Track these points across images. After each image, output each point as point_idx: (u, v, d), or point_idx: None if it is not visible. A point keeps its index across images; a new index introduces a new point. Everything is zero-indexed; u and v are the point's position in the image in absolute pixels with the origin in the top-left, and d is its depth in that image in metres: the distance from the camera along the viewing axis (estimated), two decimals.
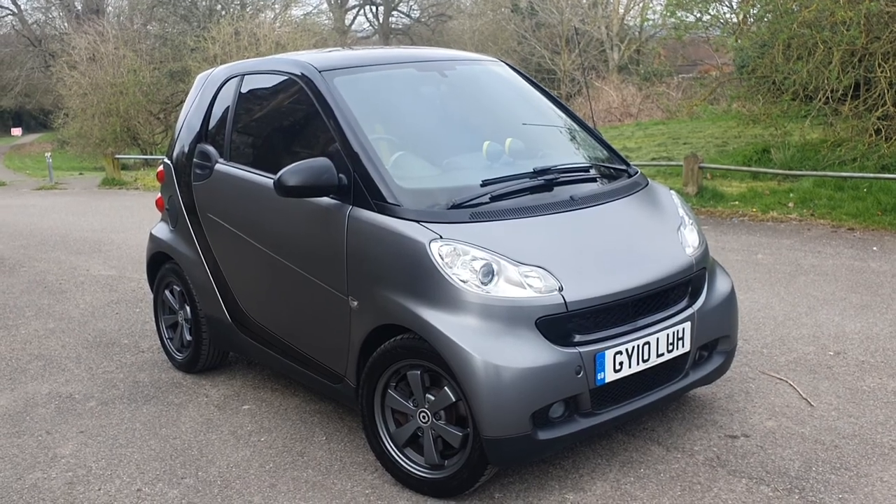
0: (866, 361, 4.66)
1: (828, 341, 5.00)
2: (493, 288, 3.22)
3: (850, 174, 9.38)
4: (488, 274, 3.24)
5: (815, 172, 9.77)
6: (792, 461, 3.60)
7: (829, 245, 7.46)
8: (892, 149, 9.84)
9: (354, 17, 45.03)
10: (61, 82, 26.24)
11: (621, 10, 30.55)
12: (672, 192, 4.17)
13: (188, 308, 4.94)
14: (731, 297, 3.89)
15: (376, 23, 45.56)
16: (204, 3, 32.81)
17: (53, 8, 42.77)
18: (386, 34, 44.04)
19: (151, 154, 23.87)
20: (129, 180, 17.54)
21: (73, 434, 4.30)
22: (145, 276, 5.51)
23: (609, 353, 3.28)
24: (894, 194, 8.69)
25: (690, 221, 3.96)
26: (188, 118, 4.91)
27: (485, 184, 3.59)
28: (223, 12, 31.31)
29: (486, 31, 33.42)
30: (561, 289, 3.25)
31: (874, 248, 7.23)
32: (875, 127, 10.18)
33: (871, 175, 9.16)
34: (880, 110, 10.11)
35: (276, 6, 33.17)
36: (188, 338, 5.00)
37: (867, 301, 5.73)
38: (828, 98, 10.52)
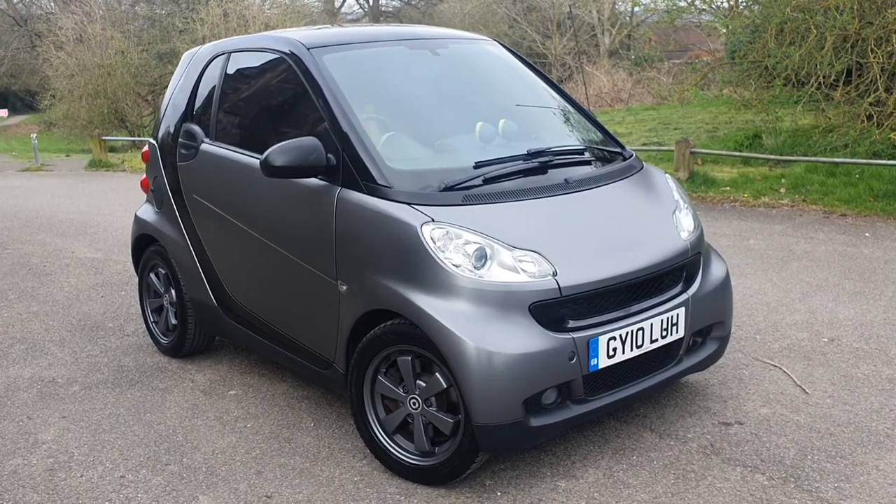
0: (860, 348, 4.63)
1: (821, 328, 4.96)
2: (486, 272, 3.15)
3: (842, 160, 9.33)
4: (481, 258, 3.17)
5: (806, 158, 9.72)
6: (787, 449, 3.56)
7: (821, 231, 7.43)
8: (883, 135, 9.79)
9: (344, 0, 44.66)
10: (48, 63, 25.93)
11: None
12: (667, 175, 4.11)
13: (173, 291, 4.85)
14: (725, 283, 3.84)
15: (366, 5, 45.19)
16: None
17: None
18: (376, 16, 43.66)
19: (139, 136, 23.59)
20: (117, 162, 17.34)
21: (55, 419, 4.22)
22: (131, 258, 5.42)
23: (602, 339, 3.22)
24: (886, 180, 8.66)
25: (685, 205, 3.90)
26: (173, 97, 4.81)
27: (478, 166, 3.52)
28: None
29: (477, 14, 33.18)
30: (555, 274, 3.18)
31: (866, 234, 7.20)
32: (867, 113, 10.13)
33: (863, 161, 9.11)
34: (872, 96, 10.05)
35: None
36: (173, 322, 4.92)
37: (860, 287, 5.70)
38: (820, 83, 10.46)
